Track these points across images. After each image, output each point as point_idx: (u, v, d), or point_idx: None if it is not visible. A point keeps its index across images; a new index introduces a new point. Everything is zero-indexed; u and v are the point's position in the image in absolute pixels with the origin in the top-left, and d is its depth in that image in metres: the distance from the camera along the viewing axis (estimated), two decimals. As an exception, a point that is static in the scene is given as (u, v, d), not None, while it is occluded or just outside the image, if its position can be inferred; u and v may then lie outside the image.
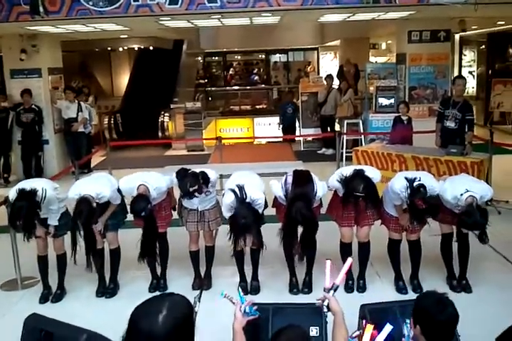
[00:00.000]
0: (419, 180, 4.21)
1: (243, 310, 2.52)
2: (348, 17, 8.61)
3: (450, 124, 7.03)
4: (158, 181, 4.60)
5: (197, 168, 4.81)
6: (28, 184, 4.38)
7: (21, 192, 4.23)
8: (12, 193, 4.34)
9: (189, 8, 6.96)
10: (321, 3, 6.93)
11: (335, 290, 2.68)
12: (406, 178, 4.24)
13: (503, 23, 11.33)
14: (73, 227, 4.24)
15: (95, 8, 6.94)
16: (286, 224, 4.25)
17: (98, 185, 4.51)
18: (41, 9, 6.86)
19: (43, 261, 4.72)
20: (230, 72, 22.64)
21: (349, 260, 2.90)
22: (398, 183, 4.30)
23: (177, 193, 4.92)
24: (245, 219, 4.10)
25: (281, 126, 12.47)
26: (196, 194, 4.43)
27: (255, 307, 2.62)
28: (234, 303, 2.51)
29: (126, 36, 12.24)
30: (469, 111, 7.10)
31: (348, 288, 4.64)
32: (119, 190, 4.75)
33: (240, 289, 3.02)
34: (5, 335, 4.00)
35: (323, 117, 10.96)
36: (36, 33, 9.14)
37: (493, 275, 4.93)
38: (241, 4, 6.95)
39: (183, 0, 6.88)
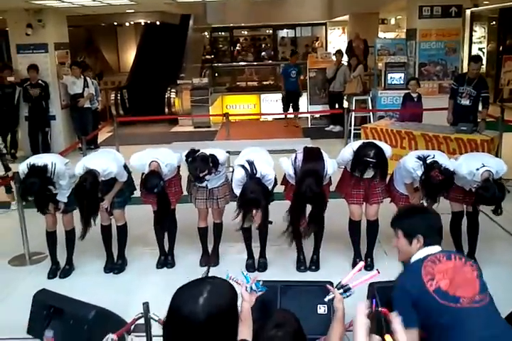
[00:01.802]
0: (433, 157, 4.16)
1: (249, 288, 2.51)
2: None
3: (464, 102, 6.93)
4: (170, 157, 4.59)
5: (204, 146, 4.77)
6: (38, 159, 4.37)
7: (32, 168, 4.21)
8: (22, 168, 4.31)
9: (197, -18, 6.82)
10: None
11: (344, 291, 2.62)
12: (419, 157, 4.18)
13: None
14: (79, 199, 4.23)
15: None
16: (295, 200, 4.25)
17: (105, 160, 4.49)
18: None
19: (51, 237, 4.74)
20: (237, 48, 22.41)
21: (360, 264, 2.84)
22: (411, 161, 4.25)
23: (185, 170, 4.89)
24: (254, 194, 4.08)
25: (284, 92, 11.53)
26: (206, 177, 4.40)
27: (261, 283, 2.61)
28: (240, 284, 2.50)
29: (132, 11, 12.08)
30: (485, 88, 6.99)
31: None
32: (125, 167, 4.74)
33: (244, 270, 2.98)
34: (14, 310, 4.06)
35: (332, 94, 10.81)
36: (42, 8, 9.01)
37: (502, 254, 4.91)
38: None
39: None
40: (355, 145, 4.42)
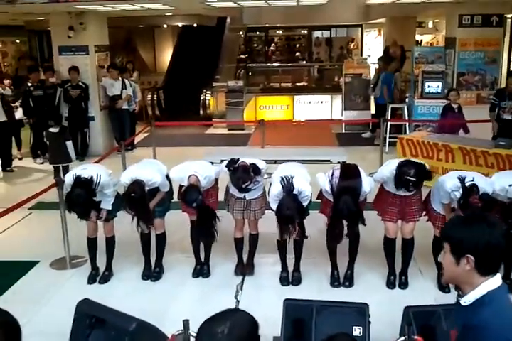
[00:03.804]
0: (472, 180, 4.17)
1: None
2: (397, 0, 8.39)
3: (507, 117, 6.91)
4: (208, 170, 4.68)
5: (238, 153, 4.80)
6: (83, 171, 4.52)
7: (78, 180, 4.37)
8: (68, 179, 4.49)
9: (238, -9, 6.89)
10: (372, -13, 6.75)
11: None
12: (459, 177, 4.19)
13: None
14: (131, 209, 4.42)
15: (144, -10, 6.95)
16: (332, 217, 4.31)
17: (149, 171, 4.63)
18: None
19: (92, 243, 4.89)
20: (272, 48, 22.43)
21: None
22: (450, 182, 4.26)
23: (223, 181, 4.98)
24: (289, 211, 4.15)
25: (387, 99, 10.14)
26: (249, 187, 4.48)
27: None
28: None
29: (170, 14, 12.23)
30: None
31: (390, 284, 4.66)
32: (167, 176, 4.85)
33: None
34: (55, 317, 4.19)
35: (376, 100, 10.80)
36: (84, 11, 9.21)
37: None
38: (290, -12, 6.85)
39: (232, -17, 6.83)
40: (393, 163, 4.44)
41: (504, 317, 1.90)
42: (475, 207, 4.03)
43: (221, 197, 5.06)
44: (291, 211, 4.17)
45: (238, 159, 4.65)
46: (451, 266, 2.00)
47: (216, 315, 1.78)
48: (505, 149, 6.53)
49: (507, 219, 4.30)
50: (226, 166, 4.61)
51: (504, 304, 1.94)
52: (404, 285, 4.64)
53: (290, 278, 4.82)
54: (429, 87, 9.43)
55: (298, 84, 17.03)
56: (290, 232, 4.29)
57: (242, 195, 4.74)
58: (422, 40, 17.99)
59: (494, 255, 1.93)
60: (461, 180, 4.17)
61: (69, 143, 7.25)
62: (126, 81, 10.03)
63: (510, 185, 4.20)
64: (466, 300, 1.95)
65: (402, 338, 2.87)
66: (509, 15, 12.14)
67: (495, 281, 1.94)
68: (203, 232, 4.61)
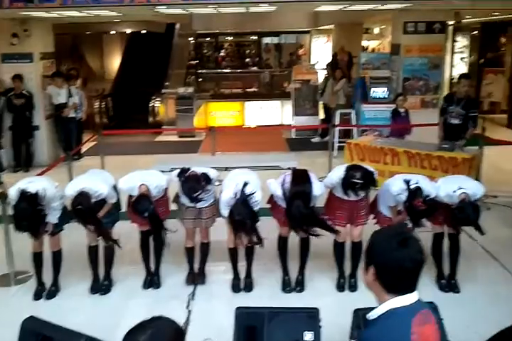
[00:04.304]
0: (417, 183, 4.28)
1: None
2: (345, 7, 8.55)
3: (454, 121, 7.10)
4: (158, 180, 4.64)
5: (189, 160, 4.78)
6: (28, 184, 4.36)
7: (23, 194, 4.22)
8: (13, 193, 4.32)
9: (187, -1, 6.86)
10: (321, -4, 6.85)
11: None
12: (404, 180, 4.30)
13: (498, 14, 11.30)
14: (82, 221, 4.34)
15: (91, -3, 6.83)
16: (289, 223, 4.38)
17: (96, 182, 4.52)
18: (35, -3, 6.77)
19: (37, 258, 4.73)
20: (221, 54, 22.46)
21: None
22: (396, 185, 4.37)
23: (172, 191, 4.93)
24: (240, 216, 4.16)
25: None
26: (200, 196, 4.45)
27: None
28: None
29: (118, 20, 12.07)
30: (473, 108, 7.19)
31: (340, 287, 4.72)
32: (114, 187, 4.76)
33: None
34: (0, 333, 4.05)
35: (324, 105, 10.99)
36: (28, 17, 8.97)
37: (481, 273, 5.03)
38: (240, -5, 6.86)
39: (181, -10, 6.79)
40: (341, 169, 4.51)
41: (385, 339, 1.83)
42: (418, 210, 4.15)
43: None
44: (242, 216, 4.17)
45: (189, 168, 4.62)
46: (363, 271, 1.97)
47: (139, 323, 1.76)
48: (448, 152, 6.74)
49: (452, 222, 4.45)
50: (177, 176, 4.57)
51: (397, 325, 1.82)
52: (353, 287, 4.71)
53: (242, 284, 4.81)
54: (375, 92, 9.65)
55: (248, 90, 17.08)
56: (247, 237, 4.30)
57: (192, 204, 4.71)
58: (368, 46, 18.41)
59: (398, 275, 1.85)
60: (406, 183, 4.28)
61: (2, 152, 6.98)
62: (72, 88, 9.81)
63: (454, 191, 4.33)
64: (372, 314, 1.89)
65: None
66: (451, 22, 12.59)
67: (401, 301, 1.85)
68: (158, 241, 4.59)
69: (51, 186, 4.48)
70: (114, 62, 16.20)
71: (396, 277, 1.86)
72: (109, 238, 4.59)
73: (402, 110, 8.17)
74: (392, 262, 1.84)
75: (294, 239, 4.77)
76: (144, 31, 14.28)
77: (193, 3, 7.19)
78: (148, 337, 1.66)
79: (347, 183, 4.40)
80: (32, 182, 4.41)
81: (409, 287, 1.88)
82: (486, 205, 6.50)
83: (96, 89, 14.13)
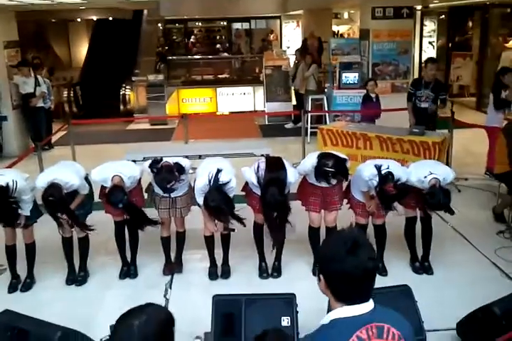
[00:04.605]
0: (388, 168, 4.33)
1: None
2: (314, -9, 8.53)
3: (424, 105, 7.15)
4: (131, 170, 4.59)
5: (161, 148, 4.74)
6: None
7: None
8: None
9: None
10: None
11: None
12: (375, 166, 4.35)
13: (465, -3, 11.43)
14: (52, 213, 4.28)
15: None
16: (263, 210, 4.39)
17: (66, 173, 4.45)
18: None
19: (11, 251, 4.67)
20: (192, 40, 22.23)
21: None
22: (367, 170, 4.42)
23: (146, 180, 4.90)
24: (215, 202, 4.18)
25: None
26: (174, 187, 4.43)
27: None
28: None
29: (84, 7, 11.82)
30: (442, 90, 7.25)
31: (316, 272, 4.77)
32: (85, 179, 4.71)
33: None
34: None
35: (296, 91, 10.98)
36: (-11, 5, 8.72)
37: (453, 255, 5.14)
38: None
39: (146, -25, 6.67)
40: (314, 156, 4.53)
41: None
42: (389, 195, 4.21)
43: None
44: (217, 202, 4.19)
45: (161, 159, 4.59)
46: (317, 278, 1.86)
47: (132, 309, 1.82)
48: (419, 136, 6.83)
49: (423, 207, 4.52)
50: (149, 167, 4.54)
51: (336, 336, 1.74)
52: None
53: (219, 271, 4.84)
54: (346, 77, 9.68)
55: (220, 76, 16.96)
56: (224, 223, 4.34)
57: (166, 194, 4.68)
58: (338, 31, 18.44)
59: (347, 283, 1.74)
60: (378, 168, 4.33)
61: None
62: (39, 77, 9.62)
63: (425, 177, 4.38)
64: (323, 320, 1.81)
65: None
66: (419, 7, 12.68)
67: (349, 311, 1.75)
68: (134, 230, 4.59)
69: (21, 178, 4.41)
70: (82, 50, 15.93)
71: (345, 286, 1.75)
72: (84, 227, 4.55)
73: (373, 95, 8.24)
74: (340, 271, 1.73)
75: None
76: (110, 18, 14.01)
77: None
78: (143, 321, 1.73)
79: (319, 172, 4.44)
80: (1, 175, 4.33)
81: (360, 296, 1.77)
82: (457, 188, 6.68)
83: (64, 77, 13.90)
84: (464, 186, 6.86)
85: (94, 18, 14.58)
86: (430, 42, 15.31)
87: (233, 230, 4.58)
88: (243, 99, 13.20)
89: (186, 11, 17.99)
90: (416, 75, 11.81)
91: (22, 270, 4.78)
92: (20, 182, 4.30)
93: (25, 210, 4.48)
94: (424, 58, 13.20)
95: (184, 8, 17.22)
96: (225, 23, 22.12)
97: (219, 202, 4.19)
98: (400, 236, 4.93)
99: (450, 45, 14.14)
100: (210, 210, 4.28)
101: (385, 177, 4.27)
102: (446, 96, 7.36)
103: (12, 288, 4.68)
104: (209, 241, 4.81)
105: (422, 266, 4.80)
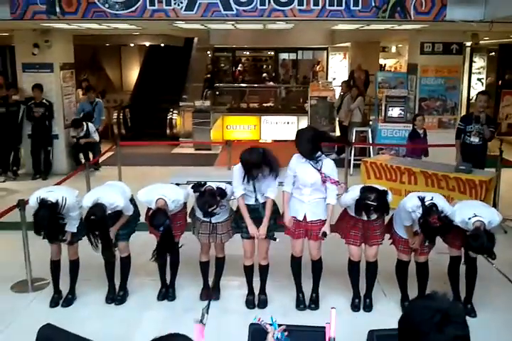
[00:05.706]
0: (431, 199, 4.28)
1: (276, 336, 2.56)
2: (362, 26, 8.62)
3: (474, 140, 7.01)
4: (176, 194, 4.66)
5: (204, 173, 4.81)
6: (48, 193, 4.42)
7: (42, 203, 4.29)
8: (32, 201, 4.40)
9: (204, 14, 6.90)
10: (336, 15, 6.89)
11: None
12: (418, 197, 4.30)
13: (516, 35, 11.31)
14: (87, 231, 4.36)
15: (111, 11, 6.93)
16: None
17: (112, 194, 4.56)
18: (58, 9, 6.93)
19: (55, 266, 4.79)
20: (239, 68, 22.63)
21: (333, 311, 2.73)
22: (410, 202, 4.36)
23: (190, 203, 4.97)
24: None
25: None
26: (215, 211, 4.48)
27: (286, 334, 2.67)
28: (267, 330, 2.56)
29: (137, 33, 12.26)
30: (492, 124, 7.15)
31: (355, 307, 4.71)
32: (131, 200, 4.81)
33: (273, 318, 3.00)
34: (17, 339, 4.09)
35: (340, 122, 11.03)
36: (49, 28, 9.15)
37: (497, 297, 4.99)
38: (256, 13, 6.89)
39: (199, 7, 6.85)
40: (357, 189, 4.52)
41: None
42: (434, 226, 4.14)
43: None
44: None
45: (205, 183, 4.66)
46: None
47: (160, 338, 1.76)
48: (466, 174, 6.71)
49: (466, 249, 4.41)
50: (192, 188, 4.62)
51: None
52: (368, 307, 4.70)
53: (256, 301, 4.82)
54: (392, 111, 9.67)
55: (265, 104, 17.20)
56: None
57: (207, 219, 4.74)
58: (385, 64, 18.49)
59: None
60: (421, 199, 4.28)
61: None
62: (98, 101, 10.09)
63: (469, 218, 4.27)
64: None
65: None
66: (468, 44, 12.63)
67: None
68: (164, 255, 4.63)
69: (71, 195, 4.54)
70: (133, 74, 16.42)
71: None
72: (109, 252, 4.55)
73: (420, 131, 8.12)
74: None
75: (307, 257, 4.78)
76: (162, 44, 14.46)
77: (210, 20, 7.27)
78: None
79: (360, 205, 4.41)
80: (52, 192, 4.47)
81: None
82: (504, 229, 6.49)
83: (114, 99, 14.36)
84: (511, 227, 6.68)
85: (147, 44, 15.06)
86: (479, 79, 15.19)
87: (275, 239, 4.57)
88: (287, 128, 13.30)
89: (235, 40, 18.42)
90: (464, 112, 11.70)
91: (64, 285, 4.89)
92: (70, 199, 4.43)
93: (72, 227, 4.60)
94: (472, 95, 13.10)
95: (233, 38, 17.66)
96: (272, 53, 22.46)
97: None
98: (443, 273, 4.83)
99: (499, 82, 13.98)
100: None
101: (429, 209, 4.20)
102: (494, 129, 7.23)
103: (54, 303, 4.78)
104: (248, 270, 4.82)
105: (464, 307, 4.66)
